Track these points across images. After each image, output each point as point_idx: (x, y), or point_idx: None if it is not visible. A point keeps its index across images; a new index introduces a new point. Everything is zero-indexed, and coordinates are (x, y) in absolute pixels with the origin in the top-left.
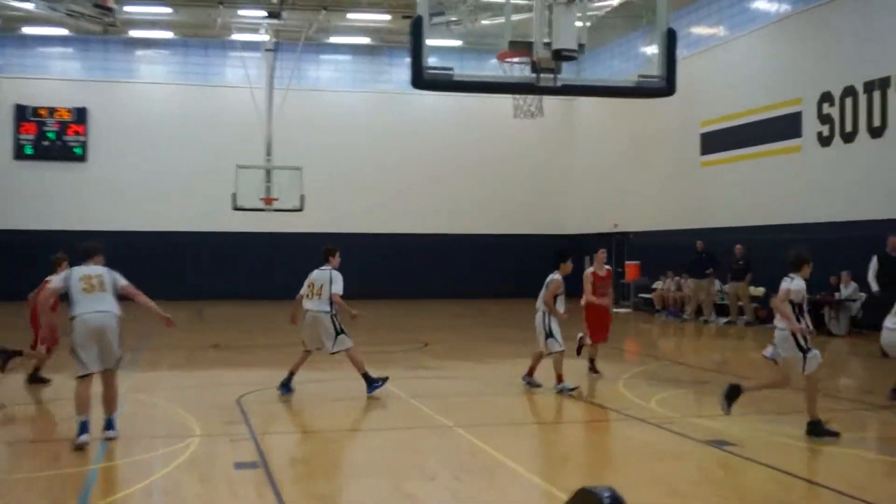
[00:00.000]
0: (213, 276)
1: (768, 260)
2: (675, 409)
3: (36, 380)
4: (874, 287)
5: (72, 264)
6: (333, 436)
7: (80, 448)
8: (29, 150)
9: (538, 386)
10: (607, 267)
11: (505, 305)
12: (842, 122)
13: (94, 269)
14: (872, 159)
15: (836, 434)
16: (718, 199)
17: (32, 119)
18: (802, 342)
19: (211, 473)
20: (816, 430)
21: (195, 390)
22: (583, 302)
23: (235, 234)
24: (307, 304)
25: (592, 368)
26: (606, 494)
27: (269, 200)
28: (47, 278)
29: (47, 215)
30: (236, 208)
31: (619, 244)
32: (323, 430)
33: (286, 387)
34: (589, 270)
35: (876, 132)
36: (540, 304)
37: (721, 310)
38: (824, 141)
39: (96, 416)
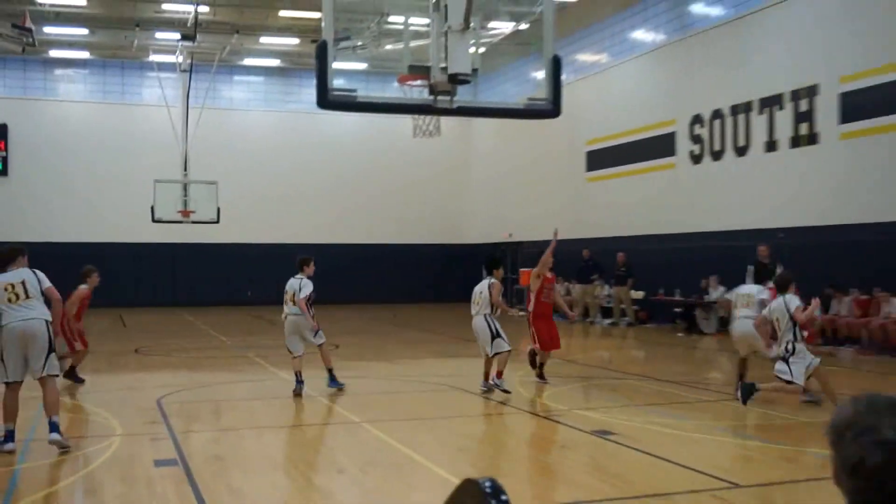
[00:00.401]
0: (134, 285)
1: (647, 266)
2: (565, 402)
3: (73, 377)
4: None
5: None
6: (248, 433)
7: (6, 453)
8: None
9: (507, 391)
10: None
11: (411, 309)
12: (711, 142)
13: (18, 275)
14: (738, 175)
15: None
16: (602, 211)
17: None
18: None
19: (132, 471)
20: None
21: (117, 393)
22: (530, 307)
23: (155, 245)
24: (285, 310)
25: (541, 376)
26: (487, 484)
27: (186, 213)
28: (81, 286)
29: None
30: (155, 220)
31: (513, 253)
32: (239, 427)
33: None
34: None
35: (741, 151)
36: (484, 308)
37: (606, 312)
38: (695, 159)
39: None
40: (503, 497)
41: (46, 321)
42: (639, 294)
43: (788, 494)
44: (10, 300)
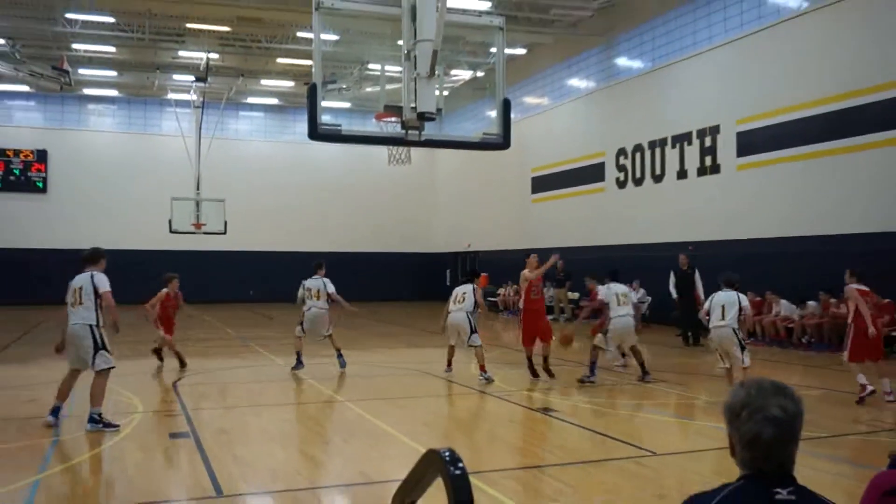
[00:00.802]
0: (153, 285)
1: (582, 272)
2: (514, 384)
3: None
4: (674, 294)
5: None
6: (249, 410)
7: (47, 425)
8: None
9: (492, 379)
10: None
11: (386, 307)
12: (633, 170)
13: (81, 280)
14: (655, 198)
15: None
16: (545, 226)
17: (1, 158)
18: (739, 342)
19: (151, 442)
20: None
21: (139, 376)
22: (521, 304)
23: (171, 252)
24: (308, 304)
25: (547, 371)
26: (447, 453)
27: (198, 225)
28: (162, 290)
29: (14, 236)
30: (172, 231)
31: (471, 259)
32: (241, 405)
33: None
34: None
35: (657, 178)
36: (467, 306)
37: (548, 309)
38: (621, 184)
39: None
40: (460, 464)
41: (90, 325)
42: (574, 295)
43: (695, 461)
44: (71, 304)
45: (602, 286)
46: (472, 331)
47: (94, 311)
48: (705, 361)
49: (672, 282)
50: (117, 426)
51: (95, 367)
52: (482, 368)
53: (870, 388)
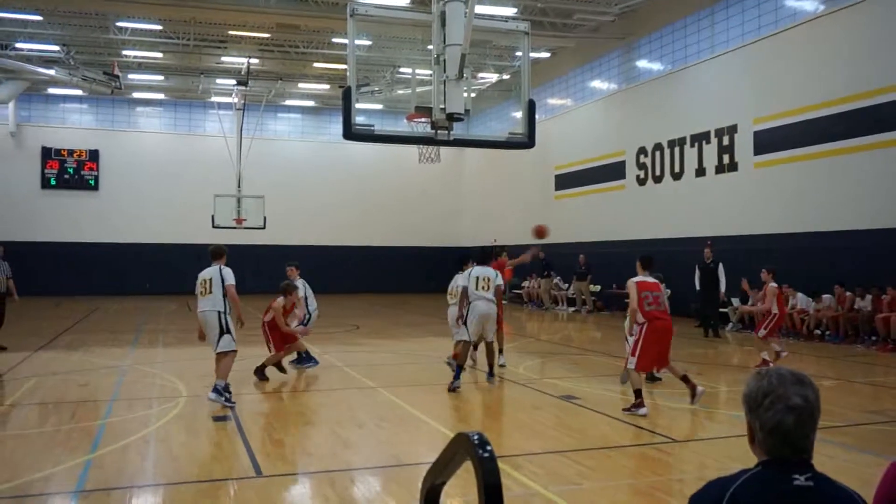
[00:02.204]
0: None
1: (603, 265)
2: (537, 372)
3: (260, 373)
4: (698, 286)
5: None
6: (286, 395)
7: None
8: (53, 182)
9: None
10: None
11: (415, 298)
12: (653, 169)
13: (208, 273)
14: (674, 195)
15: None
16: (567, 222)
17: (56, 158)
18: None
19: (194, 424)
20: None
21: (183, 363)
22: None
23: None
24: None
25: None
26: (476, 437)
27: (239, 221)
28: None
29: (68, 231)
30: (215, 226)
31: (497, 254)
32: (278, 391)
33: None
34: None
35: (676, 176)
36: (459, 300)
37: (571, 301)
38: (641, 182)
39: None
40: (488, 447)
41: (218, 311)
42: (596, 287)
43: (714, 447)
44: (200, 293)
45: (463, 273)
46: (462, 323)
47: (222, 300)
48: (723, 352)
49: (697, 275)
50: (234, 404)
51: (218, 349)
52: (455, 356)
53: (784, 353)
